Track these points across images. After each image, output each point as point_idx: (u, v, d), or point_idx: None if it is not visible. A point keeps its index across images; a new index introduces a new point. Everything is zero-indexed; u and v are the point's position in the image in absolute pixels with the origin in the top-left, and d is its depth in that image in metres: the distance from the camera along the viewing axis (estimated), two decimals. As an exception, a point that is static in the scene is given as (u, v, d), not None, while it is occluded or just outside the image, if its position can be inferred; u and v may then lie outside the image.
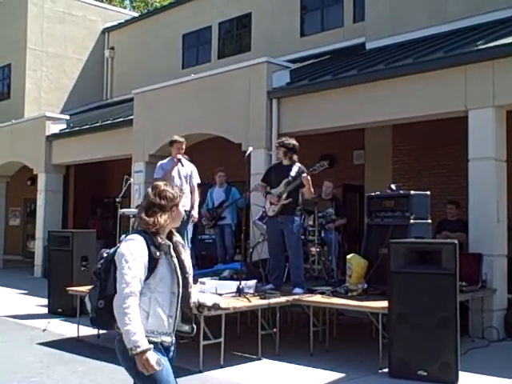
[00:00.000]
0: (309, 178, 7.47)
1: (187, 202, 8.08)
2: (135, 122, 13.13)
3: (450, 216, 9.25)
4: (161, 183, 3.27)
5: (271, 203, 7.67)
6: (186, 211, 8.01)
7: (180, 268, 3.16)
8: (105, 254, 3.20)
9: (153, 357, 2.93)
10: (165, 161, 8.25)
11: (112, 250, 3.19)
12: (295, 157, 7.71)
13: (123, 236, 3.43)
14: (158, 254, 3.07)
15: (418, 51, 9.72)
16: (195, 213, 8.24)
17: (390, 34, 11.78)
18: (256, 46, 16.16)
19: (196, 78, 12.19)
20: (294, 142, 7.75)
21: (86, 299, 3.24)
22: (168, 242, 3.14)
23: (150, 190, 3.24)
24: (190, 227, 8.35)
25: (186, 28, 18.57)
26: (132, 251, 3.01)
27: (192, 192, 8.23)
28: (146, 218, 3.11)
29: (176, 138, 8.38)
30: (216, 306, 3.86)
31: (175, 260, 3.14)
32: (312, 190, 7.59)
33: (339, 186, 12.10)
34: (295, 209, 7.57)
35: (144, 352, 2.90)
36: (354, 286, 7.15)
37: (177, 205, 3.21)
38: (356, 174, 12.36)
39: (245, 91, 10.88)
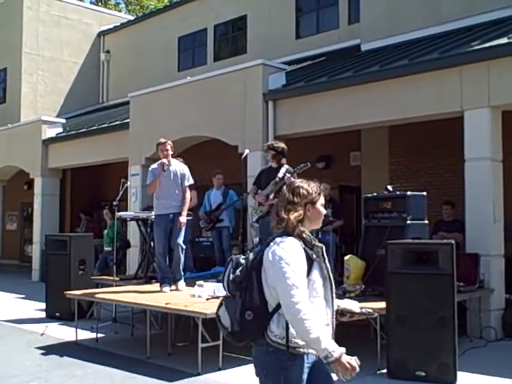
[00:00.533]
0: (292, 179, 7.44)
1: (164, 204, 8.02)
2: (131, 125, 13.14)
3: (445, 216, 9.27)
4: (297, 180, 3.06)
5: (259, 203, 7.72)
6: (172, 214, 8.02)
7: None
8: (242, 261, 2.93)
9: (351, 358, 2.72)
10: (154, 165, 8.18)
11: (251, 255, 2.93)
12: (284, 160, 7.75)
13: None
14: (314, 256, 2.83)
15: (413, 52, 9.74)
16: (182, 218, 7.96)
17: (385, 35, 11.80)
18: (252, 48, 16.17)
19: (192, 81, 12.20)
20: (282, 145, 7.82)
21: (222, 312, 2.95)
22: (320, 244, 2.90)
23: (284, 187, 3.02)
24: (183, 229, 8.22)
25: (181, 31, 18.57)
26: (291, 254, 2.76)
27: (183, 194, 8.08)
28: (282, 216, 2.89)
29: (160, 140, 8.28)
30: (365, 313, 3.40)
31: (327, 264, 2.90)
32: None
33: (336, 188, 12.12)
34: None
35: (341, 356, 2.69)
36: (351, 288, 7.15)
37: (313, 202, 2.94)
38: (352, 176, 12.37)
39: (241, 93, 10.89)
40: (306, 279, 2.75)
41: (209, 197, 10.30)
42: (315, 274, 2.83)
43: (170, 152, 8.11)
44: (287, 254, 2.75)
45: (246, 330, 2.83)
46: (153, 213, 9.39)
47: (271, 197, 7.55)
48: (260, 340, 2.83)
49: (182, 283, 8.05)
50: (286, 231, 2.87)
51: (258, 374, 2.96)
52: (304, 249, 2.81)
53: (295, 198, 2.92)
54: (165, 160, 7.99)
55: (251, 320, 2.80)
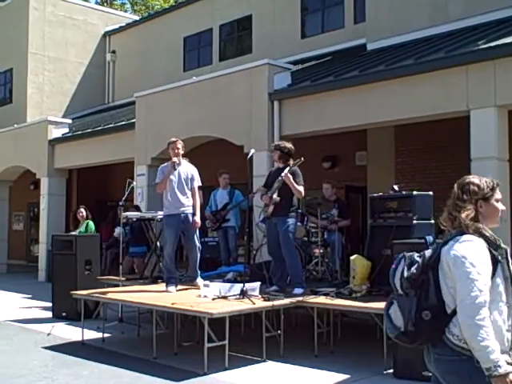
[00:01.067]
0: (289, 176, 7.43)
1: (177, 204, 8.02)
2: (137, 126, 13.16)
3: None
4: (470, 176, 2.92)
5: (266, 204, 7.72)
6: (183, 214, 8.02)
7: None
8: (417, 258, 2.83)
9: None
10: (165, 164, 8.21)
11: (427, 253, 2.84)
12: (291, 160, 7.70)
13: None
14: (499, 257, 2.66)
15: (419, 52, 9.72)
16: (197, 218, 8.03)
17: (391, 34, 11.78)
18: (257, 48, 16.17)
19: (197, 81, 12.21)
20: (289, 145, 7.76)
21: (393, 311, 2.84)
22: (505, 246, 2.73)
23: (455, 184, 2.89)
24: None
25: (187, 31, 18.59)
26: (476, 254, 2.61)
27: (193, 195, 8.11)
28: (454, 215, 2.78)
29: (171, 139, 8.32)
30: None
31: (511, 267, 2.71)
32: (298, 188, 7.47)
33: (342, 188, 12.11)
34: (288, 210, 7.55)
35: (507, 374, 2.46)
36: (357, 287, 7.14)
37: (485, 198, 2.82)
38: (359, 175, 12.36)
39: (246, 93, 10.90)
40: (489, 282, 2.60)
41: (215, 196, 10.29)
42: (499, 276, 2.66)
43: (181, 151, 8.15)
44: (472, 253, 2.62)
45: (421, 331, 2.70)
46: (159, 213, 9.45)
47: (274, 196, 7.54)
48: (438, 343, 2.69)
49: (200, 280, 8.12)
50: (461, 230, 2.74)
51: (438, 381, 2.81)
52: (489, 249, 2.68)
53: (464, 195, 2.80)
54: (175, 158, 8.00)
55: (429, 320, 2.67)
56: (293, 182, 7.42)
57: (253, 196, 9.37)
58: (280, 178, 7.51)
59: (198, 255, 8.12)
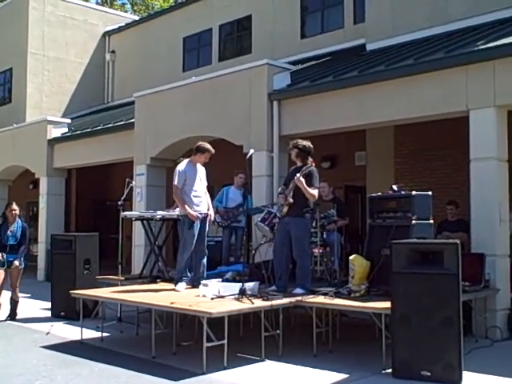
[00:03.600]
0: (302, 179, 7.36)
1: (204, 204, 8.15)
2: (136, 125, 13.16)
3: (450, 216, 9.24)
4: None
5: (281, 204, 7.71)
6: (202, 213, 8.06)
7: None
8: None
9: None
10: (184, 166, 8.18)
11: None
12: (310, 159, 7.63)
13: None
14: None
15: (419, 52, 9.73)
16: (212, 212, 8.35)
17: (391, 35, 11.78)
18: (257, 48, 16.17)
19: (197, 81, 12.22)
20: (306, 143, 7.63)
21: None
22: None
23: None
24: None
25: (186, 31, 18.59)
26: None
27: (206, 194, 8.30)
28: None
29: (209, 147, 8.26)
30: None
31: None
32: (310, 191, 7.40)
33: (341, 187, 12.11)
34: (302, 210, 7.48)
35: None
36: (356, 287, 7.14)
37: None
38: (358, 175, 12.37)
39: (246, 93, 10.90)
40: None
41: (227, 193, 10.28)
42: None
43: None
44: None
45: None
46: (158, 212, 9.47)
47: (289, 196, 7.51)
48: None
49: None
50: None
51: None
52: None
53: None
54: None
55: None
56: (305, 185, 7.34)
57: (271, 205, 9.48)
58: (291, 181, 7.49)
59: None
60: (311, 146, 7.68)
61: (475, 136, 8.09)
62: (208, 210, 8.24)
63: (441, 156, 11.24)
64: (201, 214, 8.04)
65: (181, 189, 8.02)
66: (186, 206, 7.95)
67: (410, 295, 5.89)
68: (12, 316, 9.56)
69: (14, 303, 9.61)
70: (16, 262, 9.37)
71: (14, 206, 9.58)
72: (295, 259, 7.59)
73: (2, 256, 9.27)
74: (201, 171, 8.28)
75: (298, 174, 7.41)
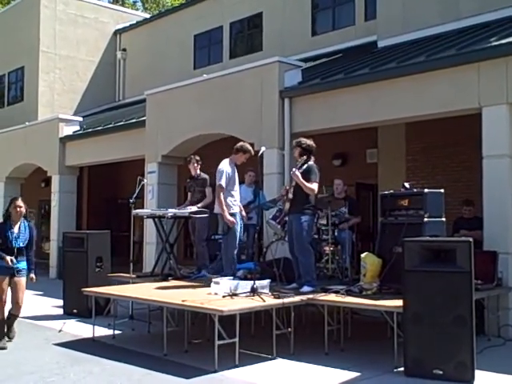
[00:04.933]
0: (297, 173, 7.40)
1: (236, 204, 8.25)
2: (148, 123, 13.18)
3: (466, 215, 9.15)
4: None
5: (282, 195, 7.78)
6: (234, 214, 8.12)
7: None
8: None
9: None
10: (228, 166, 8.22)
11: None
12: (312, 158, 7.66)
13: None
14: None
15: (431, 49, 9.68)
16: (244, 212, 8.59)
17: (402, 31, 11.73)
18: (267, 45, 16.16)
19: (208, 79, 12.21)
20: (309, 142, 7.69)
21: None
22: None
23: None
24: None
25: (197, 28, 18.60)
26: None
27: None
28: None
29: (251, 148, 8.39)
30: None
31: None
32: (308, 185, 7.39)
33: (352, 185, 12.08)
34: (302, 207, 7.50)
35: None
36: (368, 285, 7.13)
37: None
38: (369, 173, 12.32)
39: (257, 91, 10.89)
40: None
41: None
42: None
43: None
44: None
45: None
46: (170, 210, 9.50)
47: (290, 195, 7.54)
48: None
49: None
50: None
51: None
52: None
53: None
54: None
55: None
56: (301, 179, 7.38)
57: (280, 199, 9.45)
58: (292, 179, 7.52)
59: None
60: (314, 144, 7.73)
61: (487, 133, 8.04)
62: (240, 210, 8.42)
63: (453, 153, 11.18)
64: (235, 214, 8.12)
65: (225, 189, 8.11)
66: (226, 213, 8.01)
67: (422, 293, 5.87)
68: (9, 336, 7.77)
69: (13, 319, 7.79)
70: (33, 276, 7.88)
71: (20, 203, 7.83)
72: (296, 256, 7.59)
73: (12, 261, 7.49)
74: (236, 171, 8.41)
75: (293, 169, 7.45)
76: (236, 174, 8.27)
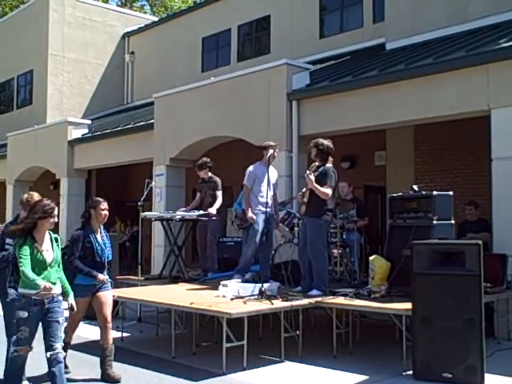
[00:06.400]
0: (311, 177, 7.34)
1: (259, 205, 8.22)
2: (156, 126, 13.20)
3: (469, 217, 9.10)
4: None
5: (299, 203, 7.73)
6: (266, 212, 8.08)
7: None
8: None
9: None
10: (254, 166, 8.31)
11: None
12: (329, 159, 7.58)
13: None
14: None
15: (439, 51, 9.65)
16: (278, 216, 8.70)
17: (411, 33, 11.71)
18: (275, 48, 16.16)
19: (216, 81, 12.23)
20: (327, 143, 7.58)
21: None
22: None
23: None
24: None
25: (205, 31, 18.63)
26: None
27: (274, 197, 8.43)
28: None
29: (271, 142, 8.43)
30: None
31: None
32: (322, 190, 7.32)
33: (360, 187, 12.05)
34: (318, 210, 7.42)
35: None
36: (376, 288, 7.10)
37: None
38: (377, 175, 12.29)
39: (265, 93, 10.89)
40: None
41: None
42: None
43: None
44: None
45: None
46: (178, 213, 9.50)
47: (305, 198, 7.49)
48: None
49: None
50: None
51: None
52: None
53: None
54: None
55: None
56: (314, 183, 7.31)
57: (289, 202, 9.43)
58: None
59: None
60: (332, 146, 7.62)
61: (497, 135, 8.00)
62: (275, 214, 8.47)
63: (461, 155, 11.14)
64: (263, 213, 8.08)
65: (250, 189, 8.22)
66: (248, 211, 8.12)
67: (431, 296, 5.84)
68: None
69: (109, 349, 6.17)
70: (113, 293, 6.58)
71: (105, 204, 6.29)
72: (310, 260, 7.53)
73: (105, 280, 6.13)
74: (272, 173, 8.36)
75: (307, 172, 7.40)
76: (266, 176, 8.08)
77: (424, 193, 7.65)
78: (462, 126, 9.91)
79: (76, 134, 16.38)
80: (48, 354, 5.27)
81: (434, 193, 7.37)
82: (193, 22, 19.16)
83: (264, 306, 6.63)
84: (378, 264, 7.31)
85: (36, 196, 6.00)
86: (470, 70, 8.37)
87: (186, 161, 12.72)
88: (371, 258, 7.48)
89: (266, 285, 7.10)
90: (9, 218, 18.17)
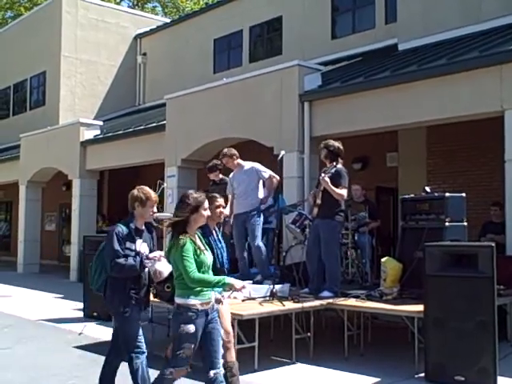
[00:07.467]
0: (326, 179, 7.25)
1: None
2: (168, 127, 13.23)
3: (494, 218, 9.01)
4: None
5: (311, 204, 7.68)
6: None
7: None
8: None
9: None
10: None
11: None
12: (339, 160, 7.54)
13: None
14: None
15: (452, 51, 9.60)
16: None
17: (423, 34, 11.65)
18: (287, 49, 16.15)
19: (228, 83, 12.23)
20: (337, 144, 7.53)
21: None
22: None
23: None
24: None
25: (217, 33, 18.65)
26: None
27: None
28: None
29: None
30: None
31: None
32: (338, 191, 7.24)
33: (372, 189, 12.02)
34: (331, 212, 7.35)
35: None
36: (388, 290, 7.07)
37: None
38: (389, 177, 12.25)
39: (276, 94, 10.88)
40: None
41: None
42: None
43: None
44: None
45: None
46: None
47: (318, 200, 7.44)
48: None
49: None
50: None
51: None
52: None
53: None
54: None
55: None
56: (330, 185, 7.24)
57: (301, 203, 9.41)
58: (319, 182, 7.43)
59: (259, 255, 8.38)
60: (341, 147, 7.57)
61: (510, 137, 7.94)
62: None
63: (474, 157, 11.08)
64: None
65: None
66: None
67: (444, 298, 5.81)
68: None
69: (234, 370, 5.12)
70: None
71: (222, 201, 5.45)
72: (323, 261, 7.49)
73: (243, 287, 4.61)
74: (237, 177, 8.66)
75: (322, 174, 7.36)
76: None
77: (436, 194, 7.62)
78: (476, 126, 9.86)
79: (88, 135, 16.44)
80: (211, 372, 4.50)
81: (447, 194, 7.33)
82: (204, 23, 19.19)
83: (275, 307, 6.62)
84: (390, 266, 7.28)
85: (147, 189, 5.21)
86: (483, 71, 8.32)
87: (198, 162, 12.74)
88: (383, 259, 7.45)
89: (277, 286, 7.08)
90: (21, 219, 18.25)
